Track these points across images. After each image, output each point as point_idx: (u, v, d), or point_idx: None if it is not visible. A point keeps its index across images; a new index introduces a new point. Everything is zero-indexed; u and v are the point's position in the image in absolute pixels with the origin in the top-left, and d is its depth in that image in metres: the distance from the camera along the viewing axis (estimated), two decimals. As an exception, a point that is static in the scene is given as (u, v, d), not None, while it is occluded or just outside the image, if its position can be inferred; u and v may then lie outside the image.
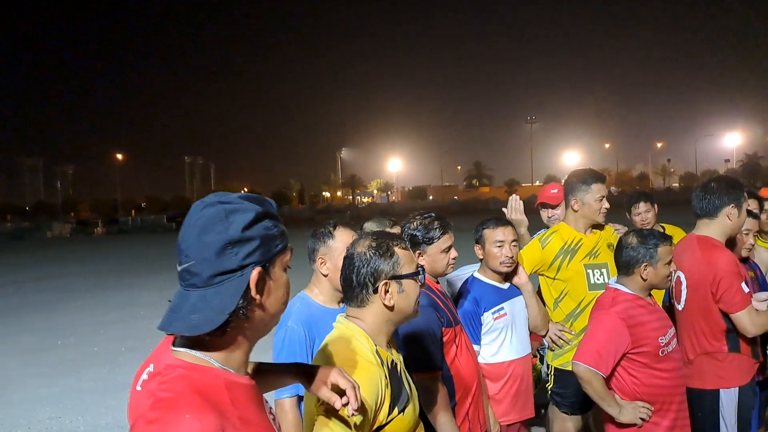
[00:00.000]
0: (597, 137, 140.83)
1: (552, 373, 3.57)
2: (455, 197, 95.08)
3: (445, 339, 2.53)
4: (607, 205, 3.43)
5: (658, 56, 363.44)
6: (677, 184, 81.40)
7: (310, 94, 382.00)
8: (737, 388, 2.94)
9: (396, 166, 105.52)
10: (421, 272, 1.84)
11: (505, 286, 3.11)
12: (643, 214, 4.31)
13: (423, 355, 2.37)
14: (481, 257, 3.12)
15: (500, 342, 2.99)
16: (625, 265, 2.74)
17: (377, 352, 1.74)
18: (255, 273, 1.12)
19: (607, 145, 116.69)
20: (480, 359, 2.92)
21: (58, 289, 14.85)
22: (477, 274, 3.17)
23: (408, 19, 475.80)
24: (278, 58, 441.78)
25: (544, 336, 3.45)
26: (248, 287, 1.11)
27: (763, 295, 3.18)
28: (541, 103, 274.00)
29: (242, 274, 1.11)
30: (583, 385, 2.69)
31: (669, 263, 2.72)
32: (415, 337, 2.37)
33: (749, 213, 3.34)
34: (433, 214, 2.79)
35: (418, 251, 2.67)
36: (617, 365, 2.71)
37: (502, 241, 3.03)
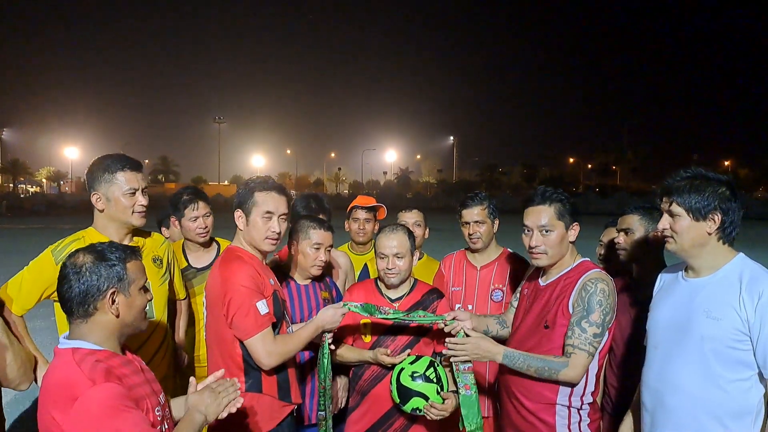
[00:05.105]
0: (280, 143, 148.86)
1: None
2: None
3: None
4: (142, 200, 2.65)
5: (332, 72, 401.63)
6: (347, 191, 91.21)
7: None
8: None
9: (72, 153, 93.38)
10: None
11: None
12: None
13: None
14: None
15: None
16: (79, 300, 1.78)
17: None
18: None
19: (288, 151, 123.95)
20: None
21: None
22: None
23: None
24: None
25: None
26: None
27: (298, 327, 2.74)
28: (229, 104, 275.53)
29: None
30: None
31: (143, 288, 1.90)
32: None
33: (321, 224, 3.04)
34: None
35: None
36: None
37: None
